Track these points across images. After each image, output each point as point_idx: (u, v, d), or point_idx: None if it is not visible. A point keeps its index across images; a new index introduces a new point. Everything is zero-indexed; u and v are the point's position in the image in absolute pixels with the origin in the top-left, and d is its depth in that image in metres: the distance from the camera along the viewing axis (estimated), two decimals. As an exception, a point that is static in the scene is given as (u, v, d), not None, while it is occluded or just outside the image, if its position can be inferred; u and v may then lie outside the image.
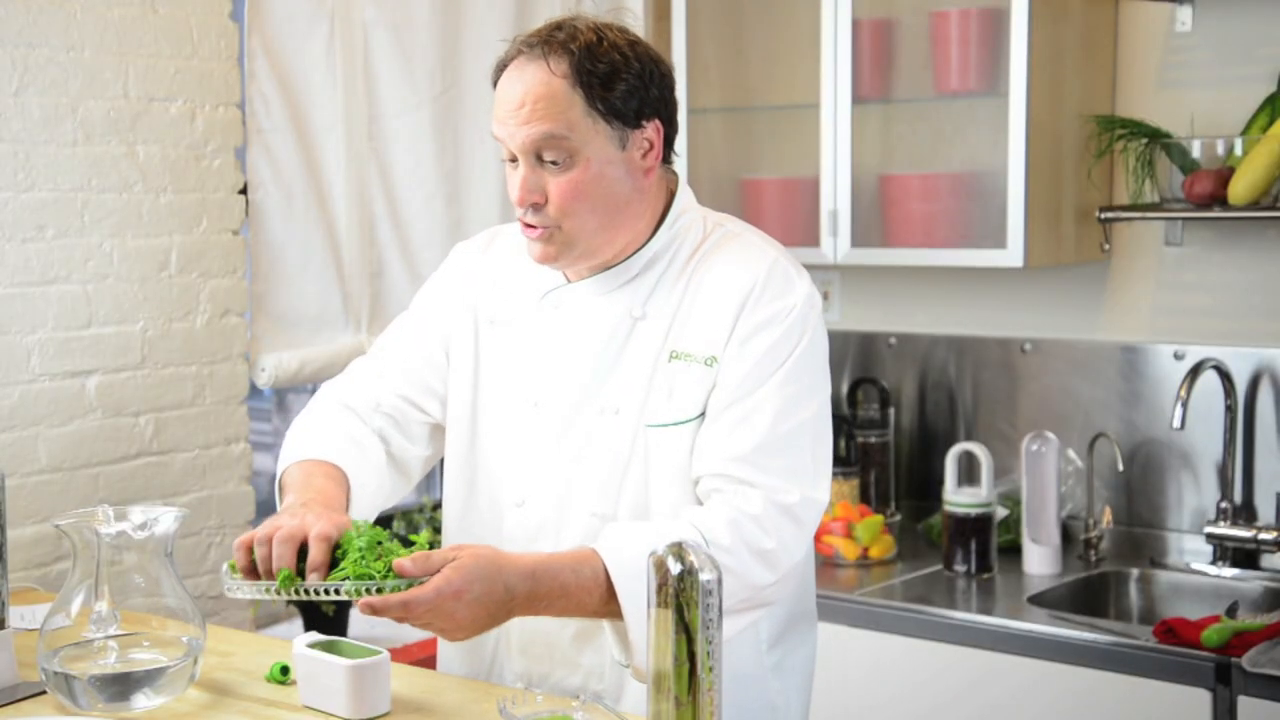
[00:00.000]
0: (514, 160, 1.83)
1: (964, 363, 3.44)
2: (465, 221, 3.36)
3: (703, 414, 1.84)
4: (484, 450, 1.99)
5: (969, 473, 3.16)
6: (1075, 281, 3.32)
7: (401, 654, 3.08)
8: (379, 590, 1.67)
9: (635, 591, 1.69)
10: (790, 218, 3.35)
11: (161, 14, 2.81)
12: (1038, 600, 2.94)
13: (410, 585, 1.67)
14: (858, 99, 3.23)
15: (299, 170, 3.05)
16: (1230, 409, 3.06)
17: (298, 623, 3.25)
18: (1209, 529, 3.07)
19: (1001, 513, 3.19)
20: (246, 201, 2.99)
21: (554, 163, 1.80)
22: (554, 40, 1.79)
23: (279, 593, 1.72)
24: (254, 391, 3.04)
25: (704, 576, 1.53)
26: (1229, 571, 3.05)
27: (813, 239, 3.27)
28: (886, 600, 2.93)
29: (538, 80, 1.78)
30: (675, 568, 1.54)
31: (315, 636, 1.94)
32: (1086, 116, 3.16)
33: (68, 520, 1.90)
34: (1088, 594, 3.06)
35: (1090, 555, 3.16)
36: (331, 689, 1.87)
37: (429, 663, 2.85)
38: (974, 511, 3.07)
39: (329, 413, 2.03)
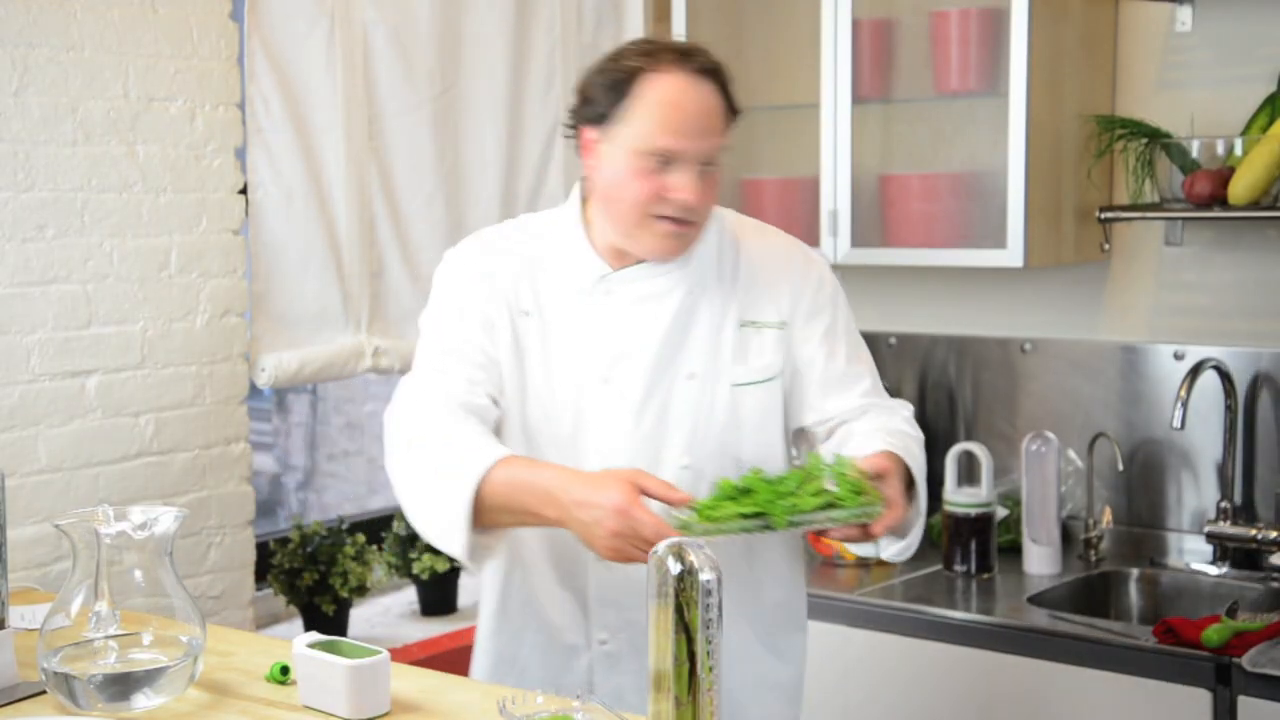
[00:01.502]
0: (662, 165, 2.02)
1: (964, 363, 3.44)
2: (465, 221, 3.35)
3: (781, 371, 2.16)
4: (542, 431, 2.12)
5: (969, 473, 3.16)
6: (1075, 281, 3.32)
7: (401, 654, 3.08)
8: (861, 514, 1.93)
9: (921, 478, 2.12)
10: (790, 217, 3.35)
11: (161, 14, 2.81)
12: (1038, 600, 2.94)
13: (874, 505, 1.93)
14: (858, 99, 3.23)
15: (299, 170, 3.05)
16: (1230, 409, 3.06)
17: (298, 623, 3.25)
18: (1209, 529, 3.07)
19: (1001, 513, 3.19)
20: (246, 201, 2.99)
21: (709, 166, 2.06)
22: (705, 59, 2.06)
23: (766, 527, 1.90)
24: (254, 391, 3.04)
25: (704, 576, 1.53)
26: (1229, 571, 3.05)
27: (813, 239, 3.27)
28: (886, 600, 2.93)
29: (710, 96, 2.05)
30: (675, 568, 1.54)
31: (315, 636, 1.94)
32: (1086, 116, 3.16)
33: (68, 520, 1.90)
34: (1088, 594, 3.06)
35: (1090, 555, 3.16)
36: (331, 689, 1.87)
37: (429, 663, 2.85)
38: (974, 511, 3.08)
39: (459, 418, 2.05)
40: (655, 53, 2.04)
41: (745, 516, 1.89)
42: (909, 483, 2.07)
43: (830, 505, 1.92)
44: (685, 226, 2.06)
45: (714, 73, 2.06)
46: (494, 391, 2.12)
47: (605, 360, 2.11)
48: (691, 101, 2.03)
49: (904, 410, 2.24)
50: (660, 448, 2.11)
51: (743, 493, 1.92)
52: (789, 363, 2.17)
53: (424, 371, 2.14)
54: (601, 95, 2.05)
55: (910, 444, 2.11)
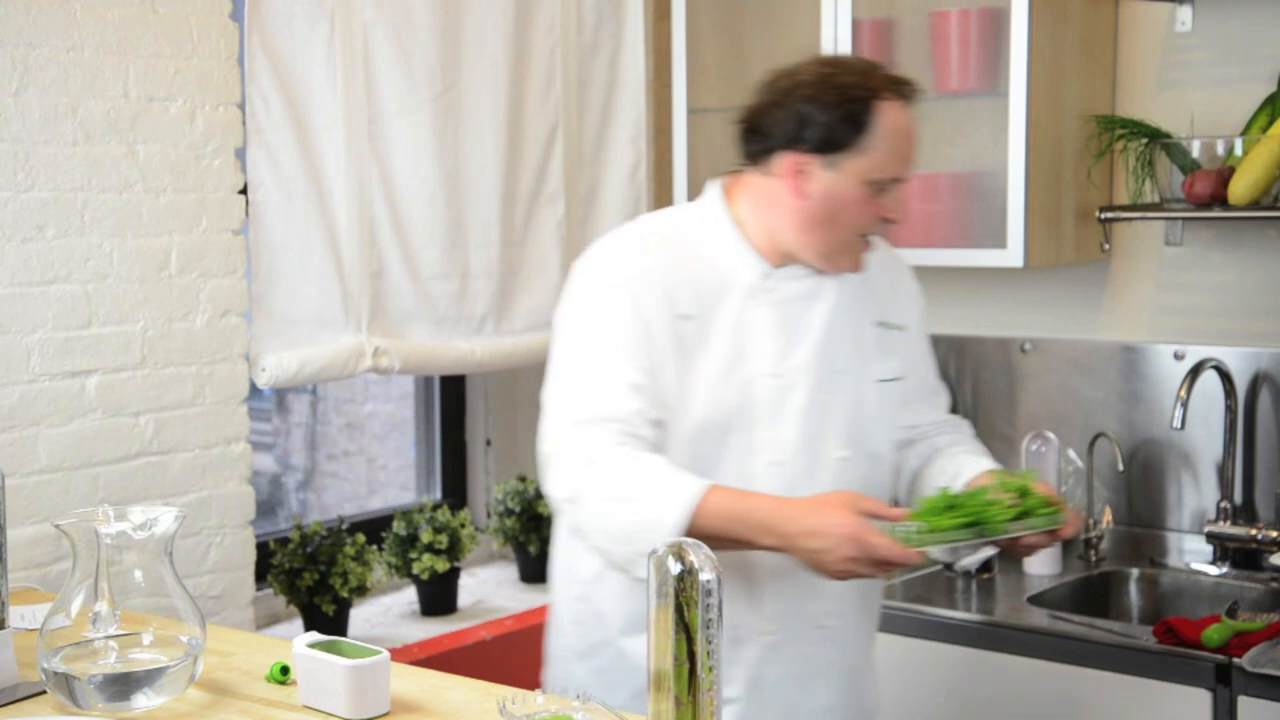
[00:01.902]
0: (881, 190, 2.12)
1: (964, 363, 3.44)
2: (465, 221, 3.35)
3: (905, 372, 2.30)
4: (708, 431, 2.14)
5: (969, 473, 3.16)
6: (1075, 281, 3.32)
7: (401, 654, 3.08)
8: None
9: None
10: (790, 218, 3.35)
11: (161, 14, 2.81)
12: (1038, 600, 2.94)
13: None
14: (858, 99, 3.22)
15: (299, 170, 3.05)
16: (1230, 409, 3.06)
17: (298, 623, 3.25)
18: (1209, 529, 3.07)
19: (1001, 513, 3.18)
20: (246, 201, 2.99)
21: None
22: (911, 85, 2.16)
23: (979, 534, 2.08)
24: (254, 391, 3.04)
25: (704, 576, 1.53)
26: (1229, 571, 3.05)
27: (813, 239, 3.27)
28: (887, 600, 2.92)
29: (914, 125, 2.16)
30: (675, 568, 1.54)
31: (315, 636, 1.94)
32: (1086, 116, 3.16)
33: (68, 520, 1.90)
34: (1088, 594, 3.06)
35: (1090, 555, 3.16)
36: (331, 689, 1.87)
37: (429, 663, 2.85)
38: (974, 511, 3.07)
39: (640, 449, 2.07)
40: (874, 80, 2.12)
41: (964, 526, 2.06)
42: None
43: (1024, 515, 2.11)
44: (873, 241, 2.21)
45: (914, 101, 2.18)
46: (656, 412, 2.11)
47: (773, 356, 2.17)
48: (911, 129, 2.15)
49: (968, 428, 2.45)
50: (821, 440, 2.20)
51: (949, 506, 2.08)
52: (907, 367, 2.32)
53: (585, 386, 2.11)
54: (836, 125, 2.09)
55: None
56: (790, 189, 2.14)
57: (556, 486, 2.09)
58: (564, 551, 2.32)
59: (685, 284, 2.15)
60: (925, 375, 2.36)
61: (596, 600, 2.26)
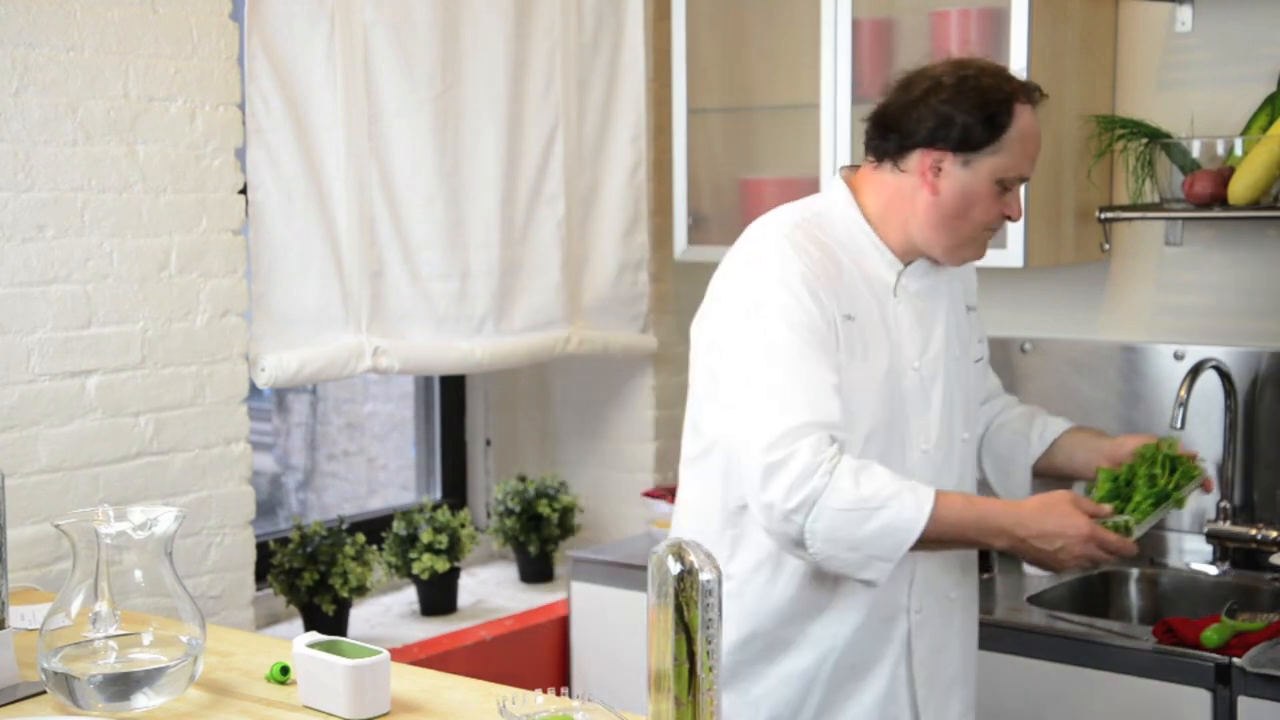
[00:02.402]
0: (1008, 188, 2.24)
1: (964, 363, 3.43)
2: (465, 221, 3.35)
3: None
4: (860, 425, 2.22)
5: (969, 473, 3.16)
6: (1075, 281, 3.32)
7: (401, 654, 3.08)
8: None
9: None
10: (790, 218, 3.35)
11: (161, 14, 2.81)
12: (1037, 600, 2.94)
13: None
14: (858, 99, 3.22)
15: (299, 170, 3.05)
16: (1230, 409, 3.06)
17: (298, 623, 3.25)
18: (1209, 529, 3.08)
19: (1001, 513, 3.18)
20: (246, 201, 2.99)
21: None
22: (1036, 87, 2.26)
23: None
24: (254, 391, 3.04)
25: (704, 576, 1.53)
26: (1229, 571, 3.05)
27: (813, 239, 3.27)
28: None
29: (1039, 128, 2.26)
30: (675, 568, 1.54)
31: (315, 636, 1.94)
32: (1086, 116, 3.16)
33: (68, 520, 1.90)
34: (1088, 594, 3.06)
35: (1090, 555, 3.15)
36: (331, 689, 1.87)
37: (429, 663, 2.85)
38: (974, 511, 3.07)
39: (875, 466, 2.15)
40: (1010, 84, 2.23)
41: (1155, 506, 2.30)
42: None
43: (1184, 478, 2.35)
44: (992, 237, 2.31)
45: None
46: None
47: (916, 350, 2.28)
48: (1039, 132, 2.26)
49: (1016, 405, 2.61)
50: (952, 426, 2.33)
51: (1126, 483, 2.33)
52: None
53: (799, 404, 2.13)
54: (975, 126, 2.19)
55: None
56: (925, 185, 2.23)
57: (784, 496, 2.10)
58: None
59: (840, 282, 2.23)
60: (984, 353, 2.51)
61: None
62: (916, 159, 2.23)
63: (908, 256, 2.29)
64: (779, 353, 2.15)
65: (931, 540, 2.14)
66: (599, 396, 3.89)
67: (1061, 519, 2.18)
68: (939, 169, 2.22)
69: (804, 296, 2.16)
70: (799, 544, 2.13)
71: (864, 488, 2.10)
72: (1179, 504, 2.34)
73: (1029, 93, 2.24)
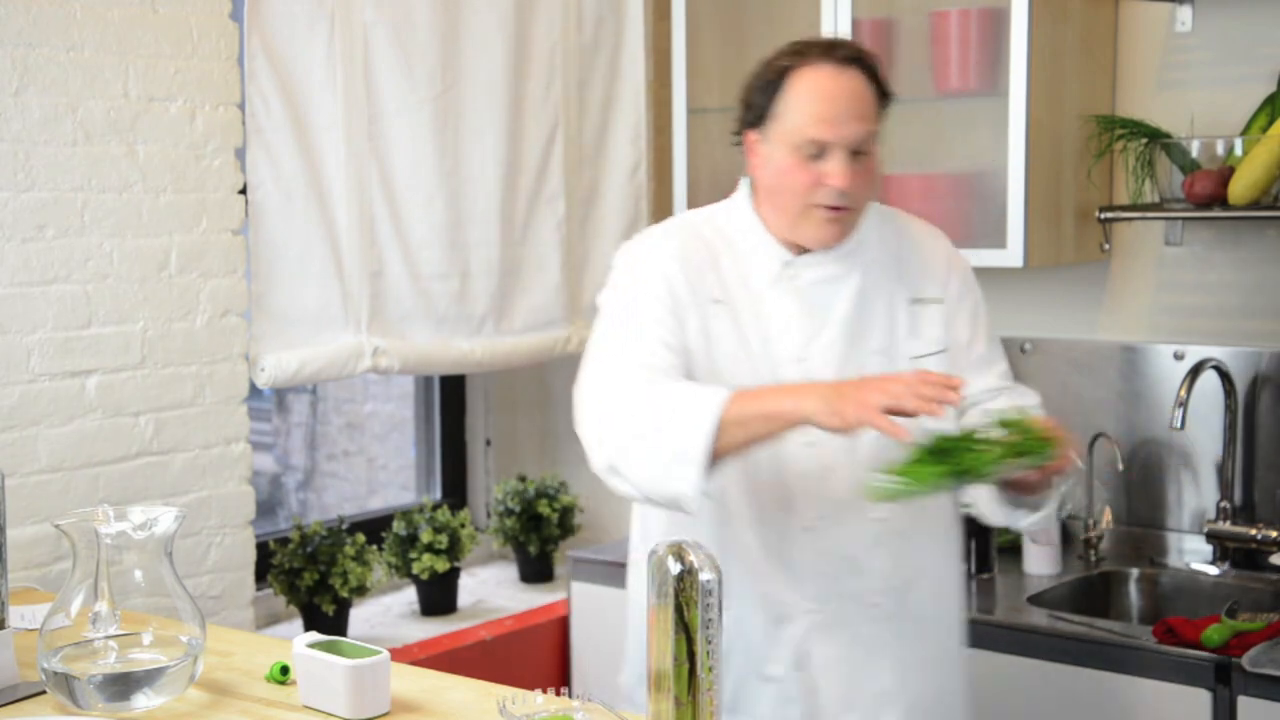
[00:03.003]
0: (817, 155, 2.13)
1: (964, 363, 3.43)
2: (465, 221, 3.35)
3: (947, 344, 2.29)
4: None
5: (969, 473, 3.16)
6: (1075, 281, 3.32)
7: (401, 654, 3.08)
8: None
9: None
10: (790, 218, 3.35)
11: (161, 14, 2.81)
12: (1038, 600, 2.94)
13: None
14: (858, 99, 3.22)
15: (299, 170, 3.05)
16: (1230, 409, 3.06)
17: (298, 623, 3.25)
18: (1209, 529, 3.07)
19: (1001, 513, 3.18)
20: (246, 201, 2.99)
21: (862, 154, 2.15)
22: (849, 48, 2.18)
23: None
24: (254, 391, 3.04)
25: (704, 576, 1.53)
26: (1229, 571, 3.05)
27: (813, 239, 3.27)
28: (886, 600, 2.93)
29: (856, 83, 2.15)
30: (675, 568, 1.54)
31: (315, 636, 1.94)
32: (1086, 116, 3.16)
33: (68, 520, 1.90)
34: (1088, 594, 3.06)
35: (1090, 555, 3.16)
36: (331, 689, 1.87)
37: (429, 663, 2.85)
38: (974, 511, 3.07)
39: (668, 376, 2.11)
40: (804, 50, 2.17)
41: (949, 475, 1.99)
42: None
43: (1021, 453, 2.02)
44: (841, 212, 2.17)
45: (859, 60, 2.16)
46: (683, 373, 2.16)
47: (798, 341, 2.21)
48: (839, 90, 2.14)
49: (1033, 397, 2.35)
50: None
51: (938, 451, 2.03)
52: (947, 338, 2.33)
53: (616, 341, 2.17)
54: (758, 97, 2.19)
55: None
56: (751, 168, 2.25)
57: (584, 434, 2.11)
58: (638, 522, 2.36)
59: (714, 270, 2.23)
60: (972, 343, 2.34)
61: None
62: (746, 147, 2.26)
63: (800, 247, 2.24)
64: (610, 325, 2.21)
65: (733, 422, 1.99)
66: (599, 396, 3.89)
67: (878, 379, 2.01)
68: (753, 149, 2.23)
69: (653, 276, 2.20)
70: (614, 470, 2.08)
71: (655, 386, 2.08)
72: (981, 478, 2.03)
73: (825, 52, 2.16)
